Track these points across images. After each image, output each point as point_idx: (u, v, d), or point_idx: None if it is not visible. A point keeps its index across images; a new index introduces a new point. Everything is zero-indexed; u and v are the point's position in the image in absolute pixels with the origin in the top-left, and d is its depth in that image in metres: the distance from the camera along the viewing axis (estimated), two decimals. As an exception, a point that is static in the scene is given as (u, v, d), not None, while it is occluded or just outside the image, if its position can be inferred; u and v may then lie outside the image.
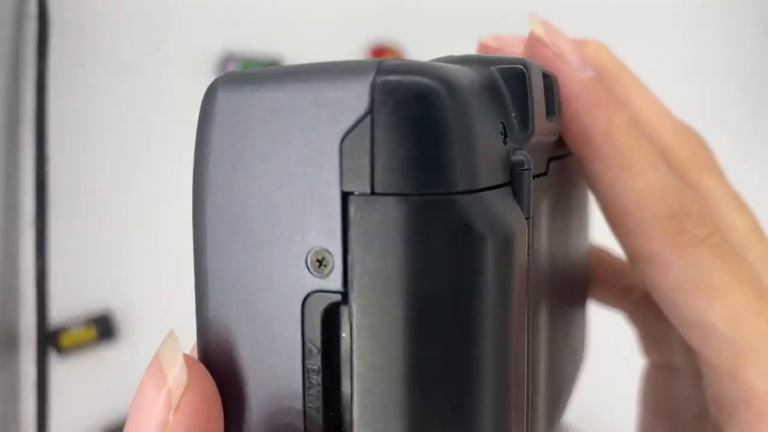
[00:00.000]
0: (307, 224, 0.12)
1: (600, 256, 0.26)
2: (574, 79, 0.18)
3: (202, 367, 0.13)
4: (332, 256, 0.12)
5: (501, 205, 0.13)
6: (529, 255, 0.14)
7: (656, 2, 0.59)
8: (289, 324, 0.13)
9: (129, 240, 0.49)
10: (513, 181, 0.14)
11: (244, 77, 0.13)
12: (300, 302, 0.13)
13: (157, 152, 0.50)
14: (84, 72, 0.50)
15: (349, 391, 0.12)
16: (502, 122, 0.14)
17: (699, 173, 0.21)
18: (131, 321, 0.50)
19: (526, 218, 0.14)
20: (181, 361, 0.13)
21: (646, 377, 0.25)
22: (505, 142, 0.14)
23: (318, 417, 0.13)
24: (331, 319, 0.13)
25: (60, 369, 0.47)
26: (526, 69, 0.14)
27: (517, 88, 0.14)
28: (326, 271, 0.12)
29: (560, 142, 0.19)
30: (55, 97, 0.48)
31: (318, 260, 0.12)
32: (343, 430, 0.13)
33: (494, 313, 0.12)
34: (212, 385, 0.13)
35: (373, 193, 0.12)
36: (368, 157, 0.12)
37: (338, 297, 0.12)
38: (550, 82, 0.17)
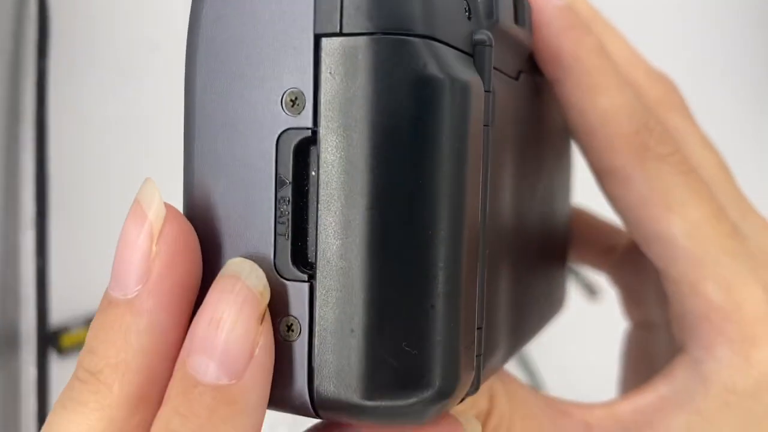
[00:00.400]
0: (283, 67, 0.14)
1: (582, 218, 0.27)
2: (547, 5, 0.19)
3: (174, 207, 0.14)
4: (304, 96, 0.14)
5: (459, 64, 0.14)
6: (486, 125, 0.15)
7: (656, 1, 0.59)
8: (265, 159, 0.14)
9: (129, 240, 0.49)
10: (475, 55, 0.15)
11: None
12: (275, 139, 0.14)
13: (157, 152, 0.50)
14: (84, 72, 0.50)
15: (315, 220, 0.14)
16: (466, 0, 0.15)
17: (668, 112, 0.22)
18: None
19: (486, 91, 0.15)
20: (158, 199, 0.14)
21: (628, 337, 0.27)
22: (469, 19, 0.15)
23: (286, 244, 0.14)
24: (302, 154, 0.14)
25: (60, 369, 0.47)
26: None
27: None
28: (299, 110, 0.14)
29: (534, 69, 0.20)
30: (55, 97, 0.48)
31: (291, 100, 0.14)
32: (309, 260, 0.14)
33: (449, 154, 0.14)
34: (185, 219, 0.14)
35: (341, 33, 0.13)
36: (339, 1, 0.13)
37: (308, 133, 0.14)
38: None
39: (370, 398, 0.14)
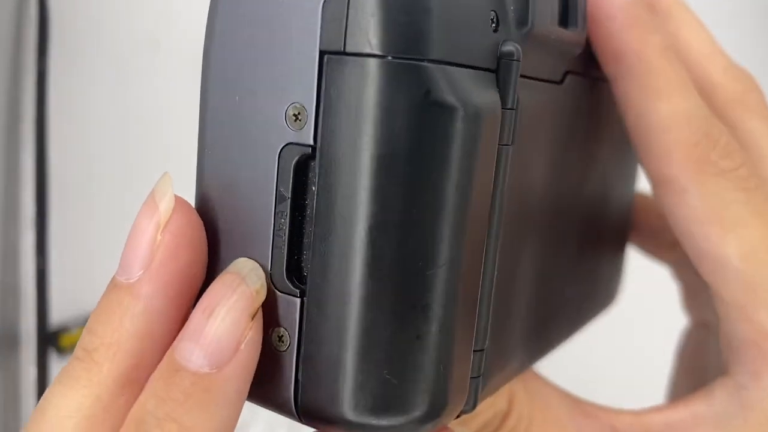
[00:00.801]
0: (289, 80, 0.13)
1: (650, 206, 0.26)
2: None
3: (187, 202, 0.15)
4: (306, 111, 0.13)
5: (473, 86, 0.13)
6: (507, 144, 0.14)
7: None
8: (267, 171, 0.14)
9: (129, 240, 0.49)
10: (499, 69, 0.14)
11: None
12: (277, 152, 0.14)
13: (157, 151, 0.50)
14: (84, 72, 0.50)
15: (311, 237, 0.14)
16: (494, 10, 0.14)
17: (744, 114, 0.20)
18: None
19: (509, 108, 0.14)
20: (171, 193, 0.14)
21: (685, 335, 0.25)
22: (495, 31, 0.14)
23: (282, 256, 0.14)
24: (302, 169, 0.14)
25: (60, 369, 0.47)
26: None
27: None
28: (301, 125, 0.13)
29: (589, 64, 0.19)
30: (55, 97, 0.48)
31: (294, 114, 0.13)
32: (303, 273, 0.14)
33: (448, 184, 0.13)
34: (196, 215, 0.15)
35: (344, 52, 0.13)
36: (344, 18, 0.13)
37: (309, 150, 0.13)
38: None
39: (351, 415, 0.14)
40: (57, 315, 0.48)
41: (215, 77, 0.15)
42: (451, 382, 0.14)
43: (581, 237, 0.21)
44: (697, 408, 0.19)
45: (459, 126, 0.13)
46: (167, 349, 0.14)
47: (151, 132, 0.51)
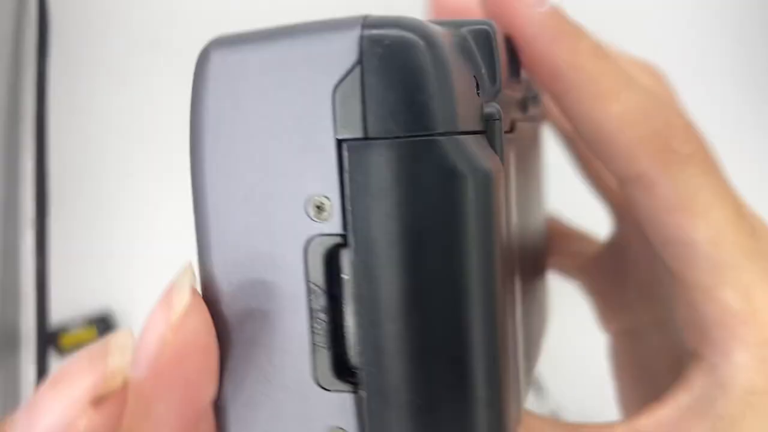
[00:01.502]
0: (304, 173, 0.13)
1: (552, 225, 0.26)
2: (531, 17, 0.18)
3: (203, 302, 0.14)
4: (330, 201, 0.13)
5: (480, 149, 0.14)
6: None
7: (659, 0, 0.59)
8: (292, 268, 0.14)
9: (129, 240, 0.49)
10: (488, 130, 0.14)
11: (235, 39, 0.14)
12: (302, 247, 0.13)
13: (157, 152, 0.50)
14: (84, 72, 0.50)
15: (354, 329, 0.13)
16: (474, 76, 0.14)
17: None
18: (131, 321, 0.50)
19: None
20: (188, 289, 0.14)
21: (613, 348, 0.25)
22: (478, 94, 0.14)
23: (325, 354, 0.14)
24: (332, 261, 0.14)
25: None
26: (491, 29, 0.15)
27: (484, 46, 0.15)
28: (325, 216, 0.13)
29: (521, 106, 0.19)
30: (55, 97, 0.48)
31: (317, 206, 0.13)
32: (349, 366, 0.14)
33: (480, 245, 0.13)
34: (208, 318, 0.14)
35: (366, 138, 0.13)
36: (360, 105, 0.13)
37: (338, 239, 0.13)
38: (512, 45, 0.18)
39: None
40: (57, 315, 0.48)
41: (212, 178, 0.14)
42: None
43: (530, 271, 0.21)
44: (681, 399, 0.19)
45: (478, 189, 0.13)
46: None
47: (151, 132, 0.51)
